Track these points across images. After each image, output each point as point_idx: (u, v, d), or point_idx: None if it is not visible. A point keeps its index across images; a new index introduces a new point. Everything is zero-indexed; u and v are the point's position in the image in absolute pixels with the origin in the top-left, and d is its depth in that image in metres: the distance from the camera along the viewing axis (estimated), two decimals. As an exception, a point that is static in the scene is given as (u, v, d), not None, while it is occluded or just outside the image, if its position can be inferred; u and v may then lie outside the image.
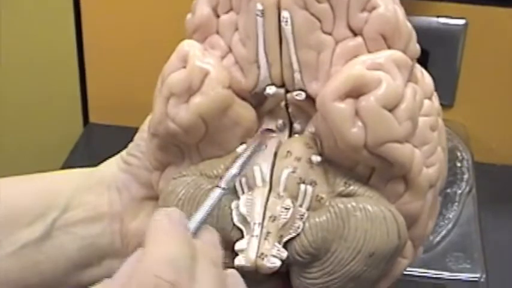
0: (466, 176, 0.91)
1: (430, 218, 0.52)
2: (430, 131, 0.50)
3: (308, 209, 0.49)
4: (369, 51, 0.49)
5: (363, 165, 0.49)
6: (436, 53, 0.95)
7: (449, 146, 0.96)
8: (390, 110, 0.47)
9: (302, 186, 0.50)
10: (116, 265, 0.60)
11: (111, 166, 0.61)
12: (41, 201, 0.59)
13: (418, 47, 0.51)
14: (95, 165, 0.63)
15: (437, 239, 0.85)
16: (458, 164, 0.93)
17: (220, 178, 0.49)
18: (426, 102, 0.51)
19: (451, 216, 0.87)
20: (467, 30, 1.00)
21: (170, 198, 0.52)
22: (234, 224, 0.49)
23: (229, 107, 0.51)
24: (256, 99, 0.53)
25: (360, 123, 0.47)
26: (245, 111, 0.52)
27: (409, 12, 0.51)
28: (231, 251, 0.50)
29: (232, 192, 0.50)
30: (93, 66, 1.09)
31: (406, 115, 0.48)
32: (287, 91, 0.52)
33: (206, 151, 0.52)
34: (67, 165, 0.97)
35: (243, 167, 0.50)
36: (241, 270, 0.49)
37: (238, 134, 0.52)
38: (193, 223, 0.46)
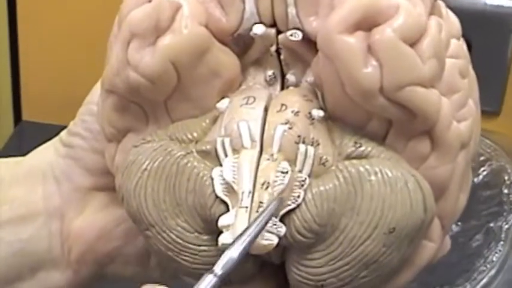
0: (515, 207, 0.81)
1: (461, 190, 0.46)
2: (459, 77, 0.45)
3: (310, 175, 0.43)
4: (381, -23, 0.44)
5: (378, 119, 0.43)
6: (481, 45, 0.87)
7: (493, 166, 0.86)
8: (411, 45, 0.42)
9: (301, 147, 0.43)
10: (54, 277, 0.54)
11: (46, 152, 0.55)
12: None
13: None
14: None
15: None
16: (505, 191, 0.82)
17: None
18: (454, 41, 0.45)
19: (494, 258, 0.77)
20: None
21: (132, 170, 0.45)
22: (216, 197, 0.43)
23: (207, 51, 0.44)
24: (240, 45, 0.47)
25: (374, 62, 0.41)
26: (226, 58, 0.46)
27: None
28: (211, 234, 0.44)
29: (213, 157, 0.44)
30: (28, 58, 1.07)
31: (431, 52, 0.42)
32: (279, 32, 0.46)
33: (177, 110, 0.46)
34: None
35: (247, 246, 0.41)
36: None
37: (217, 88, 0.46)
38: None
